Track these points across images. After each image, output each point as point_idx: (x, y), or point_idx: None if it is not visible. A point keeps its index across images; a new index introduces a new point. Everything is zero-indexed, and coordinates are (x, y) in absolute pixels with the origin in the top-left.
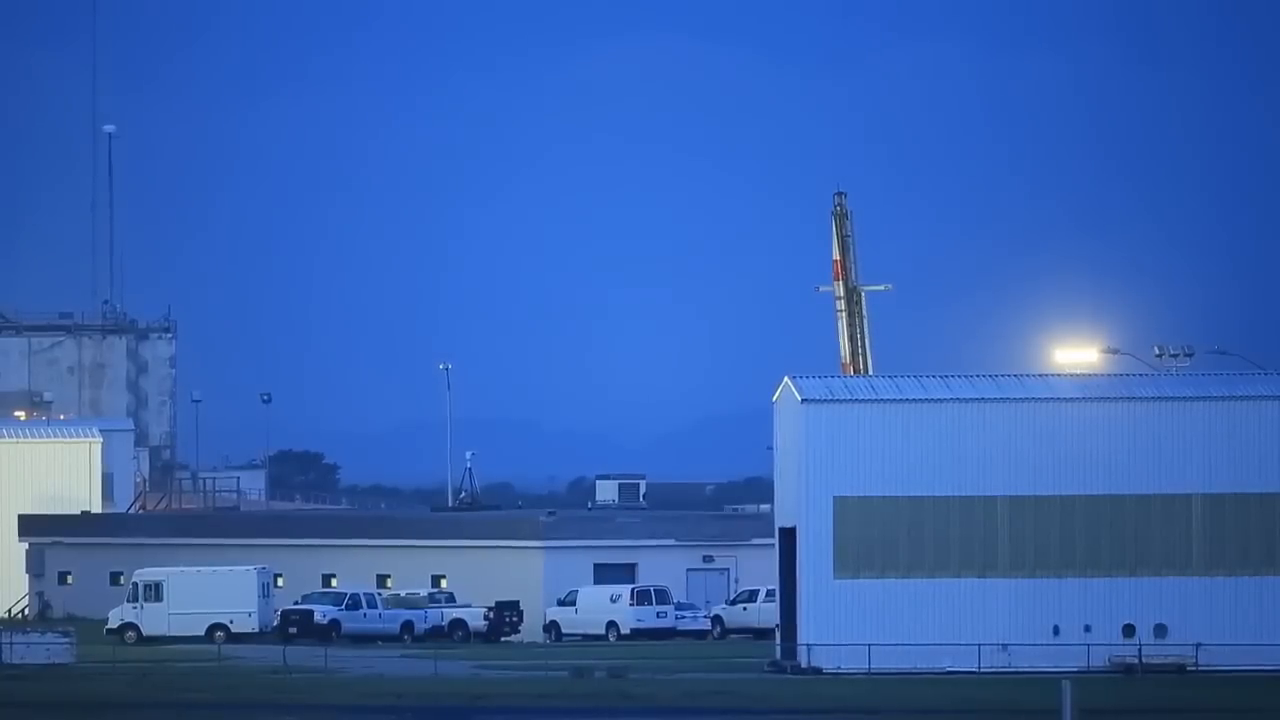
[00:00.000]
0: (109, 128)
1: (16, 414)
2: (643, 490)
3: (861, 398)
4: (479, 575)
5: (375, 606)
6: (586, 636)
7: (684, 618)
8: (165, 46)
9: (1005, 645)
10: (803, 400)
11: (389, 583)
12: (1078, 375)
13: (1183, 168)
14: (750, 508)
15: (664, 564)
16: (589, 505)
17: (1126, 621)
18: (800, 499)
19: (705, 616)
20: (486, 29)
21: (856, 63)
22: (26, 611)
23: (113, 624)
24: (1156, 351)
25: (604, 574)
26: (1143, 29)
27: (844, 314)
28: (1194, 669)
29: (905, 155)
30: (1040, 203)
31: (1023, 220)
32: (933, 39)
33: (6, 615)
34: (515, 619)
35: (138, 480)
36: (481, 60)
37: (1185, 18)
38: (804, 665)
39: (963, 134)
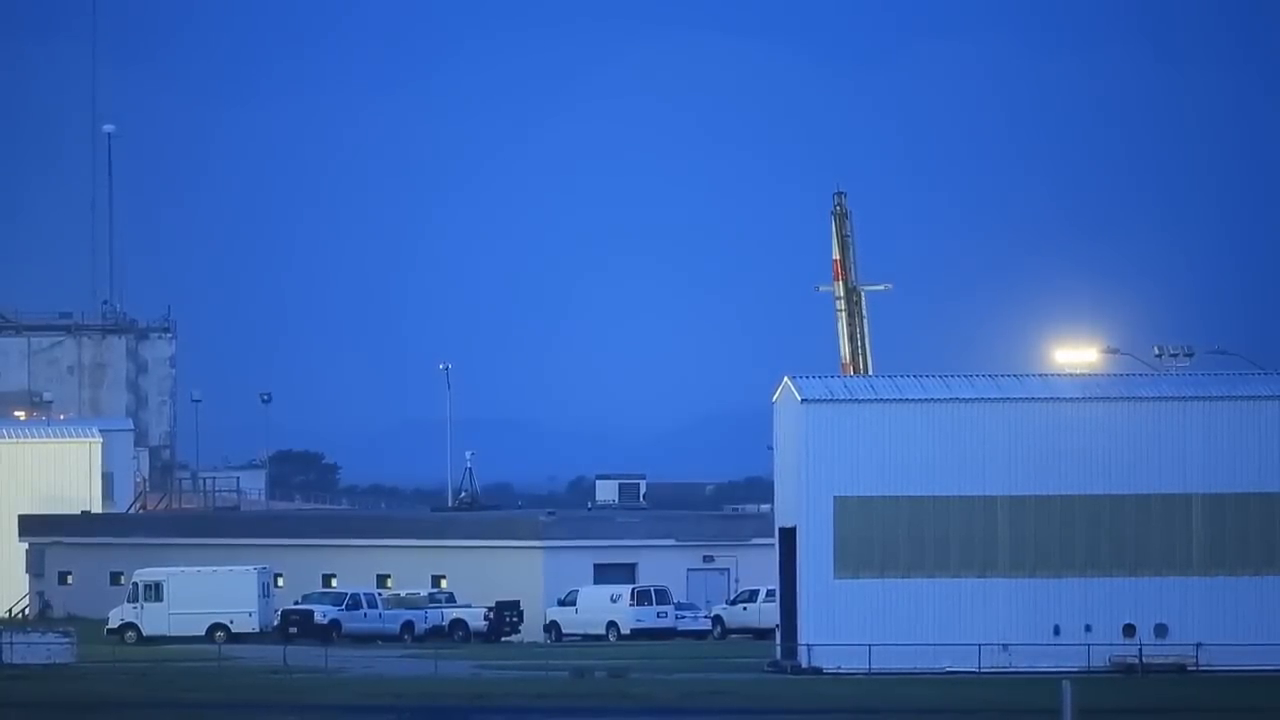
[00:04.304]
0: (109, 128)
1: (16, 414)
2: (643, 490)
3: (861, 398)
4: (479, 575)
5: (375, 606)
6: (586, 636)
7: (684, 618)
8: (165, 46)
9: (1005, 645)
10: (803, 400)
11: (389, 583)
12: (1078, 375)
13: (1187, 168)
14: (750, 508)
15: (664, 564)
16: (589, 505)
17: (1127, 621)
18: (800, 499)
19: (705, 616)
20: (498, 26)
21: (876, 61)
22: (27, 611)
23: (113, 624)
24: (1156, 351)
25: (604, 574)
26: (1158, 30)
27: (844, 314)
28: (1194, 669)
29: (915, 153)
30: (1045, 202)
31: (1027, 219)
32: (951, 37)
33: (7, 615)
34: (515, 619)
35: (138, 480)
36: (486, 58)
37: (1199, 19)
38: (804, 665)
39: (974, 132)
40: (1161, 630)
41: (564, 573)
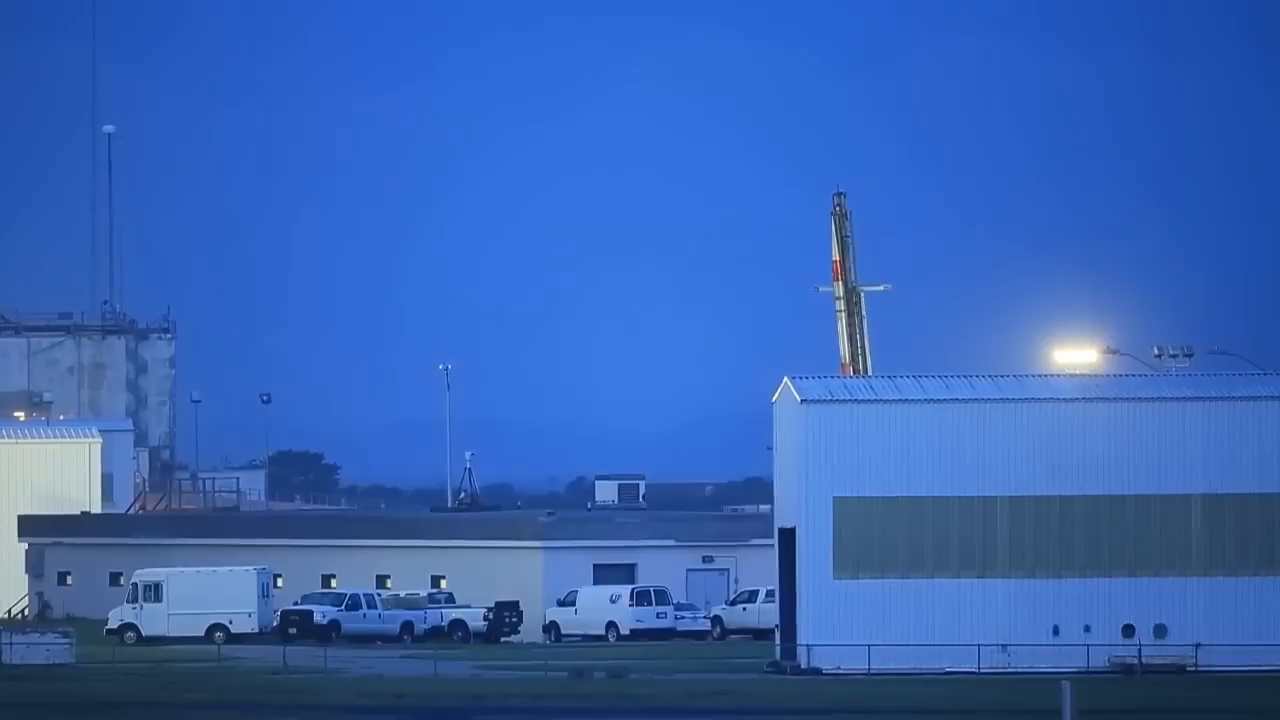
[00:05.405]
0: (109, 128)
1: (16, 414)
2: (642, 490)
3: (861, 398)
4: (479, 575)
5: (375, 607)
6: (586, 637)
7: (684, 618)
8: (165, 46)
9: (1005, 645)
10: (802, 400)
11: (389, 583)
12: (1078, 375)
13: (1188, 167)
14: (750, 508)
15: (664, 564)
16: (589, 505)
17: (1126, 622)
18: (800, 499)
19: (705, 617)
20: (497, 26)
21: (877, 60)
22: (26, 612)
23: (113, 624)
24: (1156, 351)
25: (604, 574)
26: (1159, 29)
27: (844, 314)
28: (1194, 669)
29: (916, 153)
30: (1045, 202)
31: (1027, 220)
32: (952, 36)
33: (6, 615)
34: (515, 619)
35: (137, 480)
36: (483, 59)
37: (1200, 19)
38: (804, 665)
39: (974, 132)
40: (1161, 631)
41: (563, 573)
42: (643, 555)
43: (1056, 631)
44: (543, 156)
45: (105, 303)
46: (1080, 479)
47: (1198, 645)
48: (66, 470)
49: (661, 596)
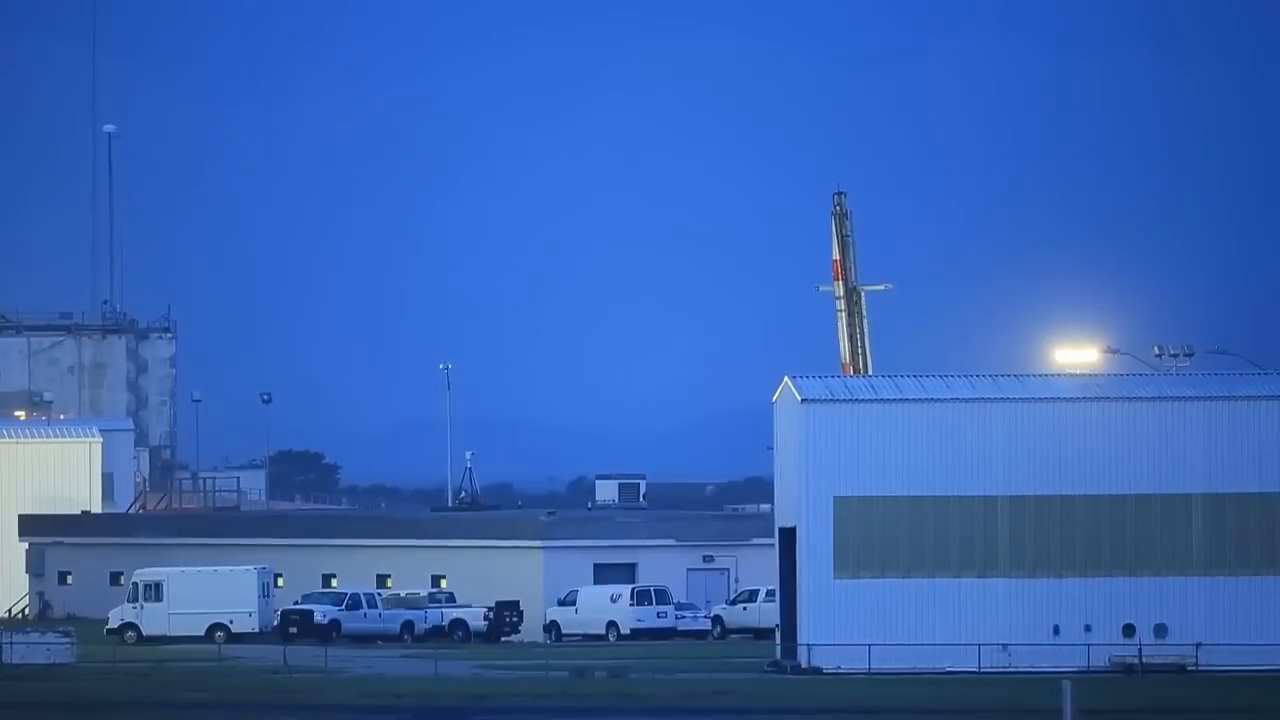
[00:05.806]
0: (109, 128)
1: (16, 414)
2: (643, 490)
3: (861, 398)
4: (479, 575)
5: (375, 606)
6: (586, 636)
7: (684, 618)
8: (164, 45)
9: (1005, 645)
10: (803, 400)
11: (389, 583)
12: (1078, 375)
13: (1189, 167)
14: (750, 508)
15: (664, 564)
16: (589, 505)
17: (1126, 621)
18: (800, 499)
19: (705, 616)
20: (498, 24)
21: (877, 59)
22: (26, 611)
23: (113, 624)
24: (1156, 351)
25: (604, 574)
26: (1161, 28)
27: (844, 314)
28: (1194, 669)
29: (917, 152)
30: (1046, 201)
31: (1028, 219)
32: (953, 35)
33: (6, 615)
34: (515, 619)
35: (138, 480)
36: (484, 57)
37: (1202, 19)
38: (804, 665)
39: (975, 131)
40: (1161, 630)
41: (564, 573)
42: (643, 555)
43: (1057, 631)
44: (542, 156)
45: (105, 302)
46: (1080, 479)
47: (1198, 645)
48: (67, 470)
49: (662, 596)
